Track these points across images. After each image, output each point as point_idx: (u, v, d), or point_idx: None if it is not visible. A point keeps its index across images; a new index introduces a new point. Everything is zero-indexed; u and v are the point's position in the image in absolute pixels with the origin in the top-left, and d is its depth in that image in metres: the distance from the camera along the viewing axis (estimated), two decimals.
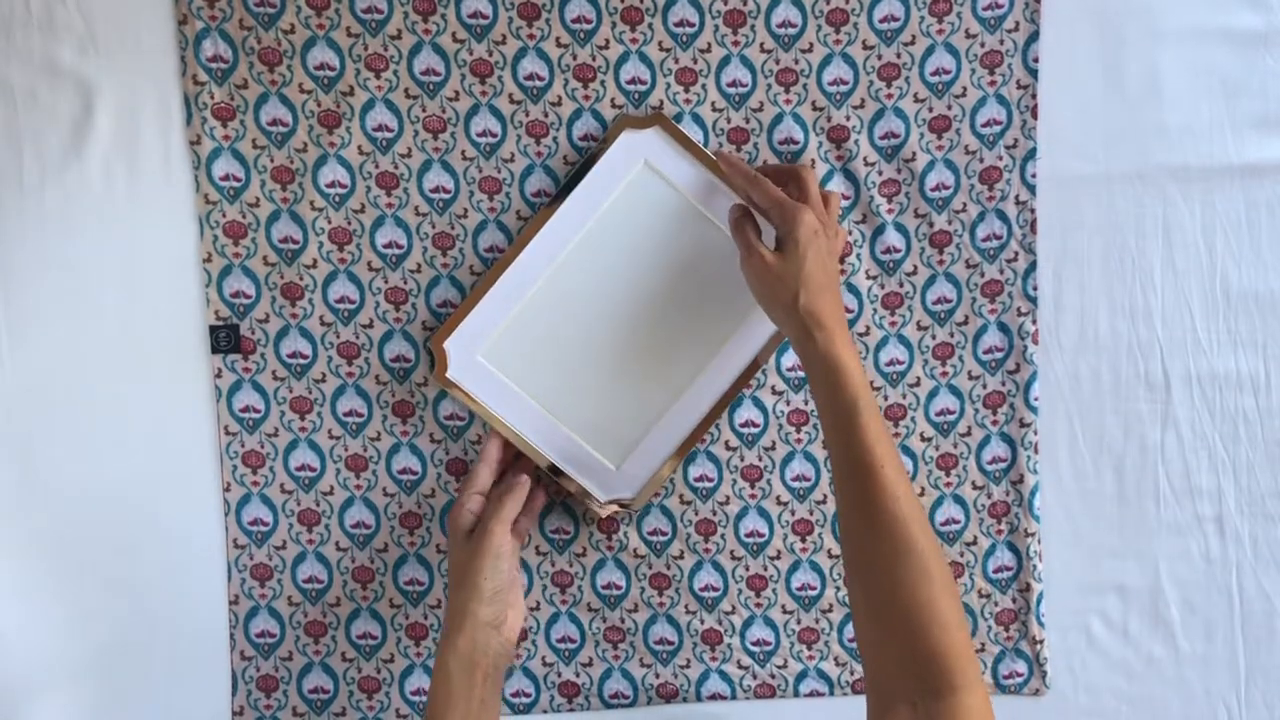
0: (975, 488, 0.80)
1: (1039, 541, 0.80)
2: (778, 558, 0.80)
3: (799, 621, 0.80)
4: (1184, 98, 0.78)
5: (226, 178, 0.74)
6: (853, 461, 0.63)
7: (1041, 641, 0.80)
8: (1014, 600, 0.80)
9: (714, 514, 0.79)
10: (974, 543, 0.80)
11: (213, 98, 0.74)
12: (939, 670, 0.56)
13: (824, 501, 0.79)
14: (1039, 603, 0.80)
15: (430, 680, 0.69)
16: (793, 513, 0.79)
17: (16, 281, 0.76)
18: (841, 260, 0.77)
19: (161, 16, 0.74)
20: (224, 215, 0.75)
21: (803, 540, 0.80)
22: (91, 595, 0.78)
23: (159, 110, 0.75)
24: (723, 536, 0.79)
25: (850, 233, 0.77)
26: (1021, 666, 0.81)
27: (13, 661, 0.77)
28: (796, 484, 0.79)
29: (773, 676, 0.80)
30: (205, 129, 0.74)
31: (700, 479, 0.79)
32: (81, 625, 0.78)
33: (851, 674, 0.81)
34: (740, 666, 0.81)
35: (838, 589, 0.80)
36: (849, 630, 0.80)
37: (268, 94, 0.74)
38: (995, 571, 0.80)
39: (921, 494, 0.80)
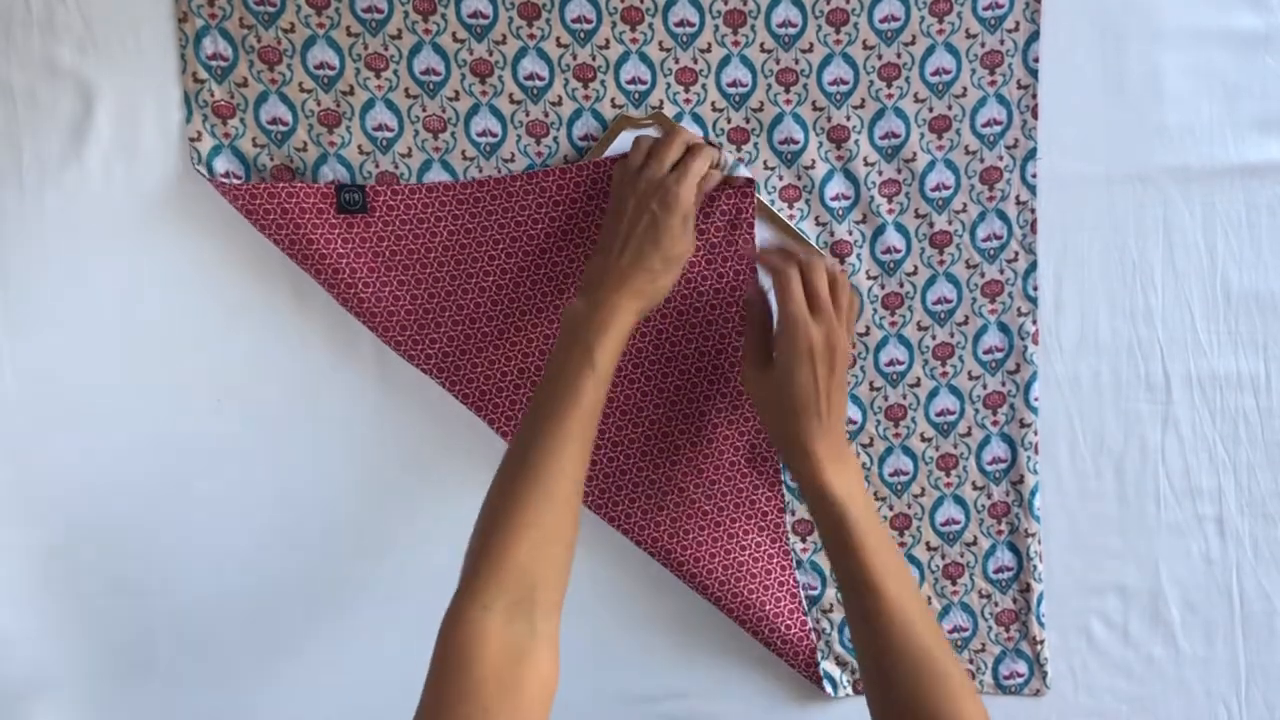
0: (975, 488, 0.80)
1: (1039, 542, 0.80)
2: None
3: None
4: (1184, 98, 0.78)
5: (226, 175, 0.74)
6: (855, 580, 0.64)
7: (1042, 642, 0.80)
8: (1014, 600, 0.80)
9: None
10: (974, 543, 0.80)
11: (212, 95, 0.74)
12: None
13: None
14: (1039, 603, 0.80)
15: (598, 316, 0.66)
16: (793, 512, 0.79)
17: (16, 281, 0.76)
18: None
19: (161, 16, 0.74)
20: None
21: (803, 541, 0.80)
22: (91, 595, 0.78)
23: (159, 110, 0.75)
24: None
25: (850, 233, 0.77)
26: (1022, 667, 0.81)
27: (13, 661, 0.77)
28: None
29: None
30: (205, 126, 0.74)
31: None
32: (81, 625, 0.78)
33: (853, 674, 0.81)
34: None
35: (837, 590, 0.80)
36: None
37: (268, 93, 0.74)
38: (995, 572, 0.80)
39: (921, 494, 0.80)
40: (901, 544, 0.80)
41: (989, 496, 0.80)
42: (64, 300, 0.76)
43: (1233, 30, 0.77)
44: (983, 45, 0.75)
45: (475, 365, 0.76)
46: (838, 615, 0.80)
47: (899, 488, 0.80)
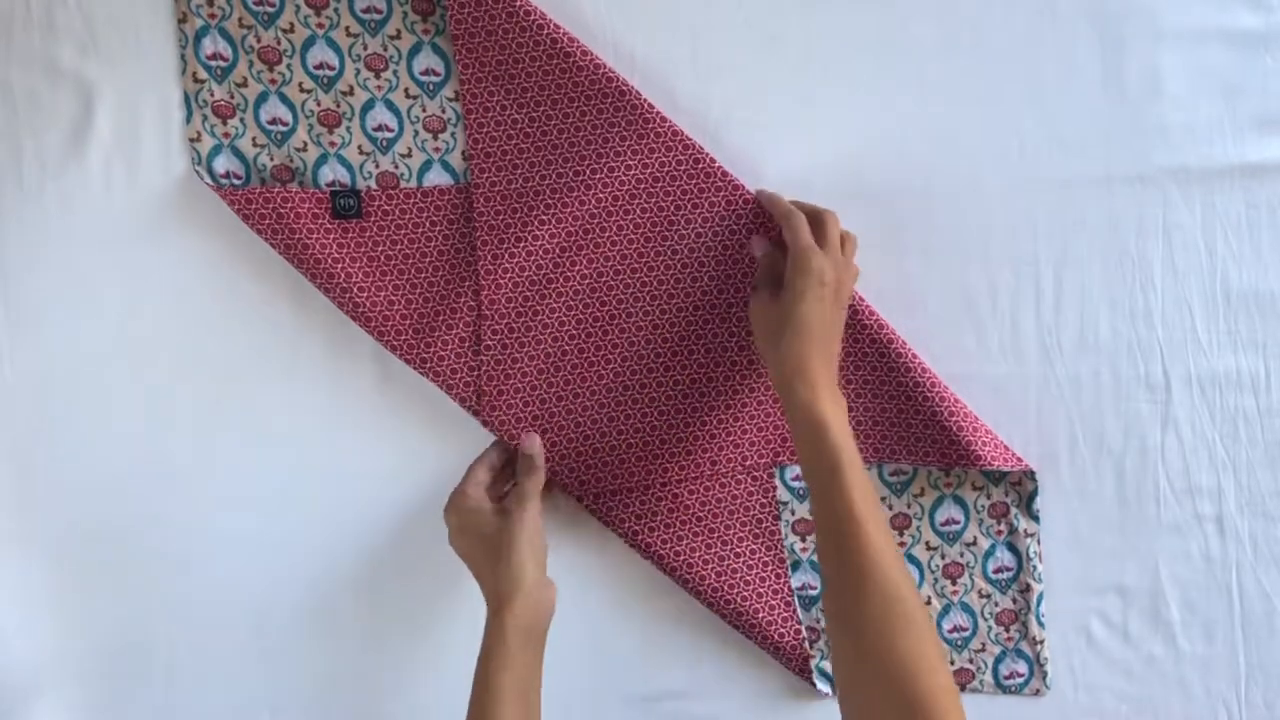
0: (975, 488, 0.80)
1: (1038, 542, 0.80)
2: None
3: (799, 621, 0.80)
4: (1184, 98, 0.78)
5: (226, 175, 0.74)
6: (837, 520, 0.63)
7: (1042, 641, 0.80)
8: (1014, 600, 0.80)
9: None
10: (974, 543, 0.80)
11: (212, 95, 0.74)
12: (930, 713, 0.56)
13: None
14: (1039, 603, 0.80)
15: (483, 645, 0.69)
16: (792, 512, 0.79)
17: (16, 281, 0.75)
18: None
19: (161, 16, 0.74)
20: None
21: (803, 540, 0.80)
22: (92, 595, 0.78)
23: (159, 110, 0.75)
24: None
25: None
26: (1022, 667, 0.81)
27: (13, 661, 0.77)
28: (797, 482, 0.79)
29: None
30: (205, 126, 0.74)
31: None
32: (81, 625, 0.78)
33: None
34: None
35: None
36: None
37: (267, 92, 0.74)
38: (995, 572, 0.80)
39: (921, 494, 0.80)
40: (901, 544, 0.80)
41: (988, 496, 0.80)
42: (64, 300, 0.76)
43: (1233, 30, 0.77)
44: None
45: (473, 369, 0.76)
46: None
47: (899, 487, 0.80)
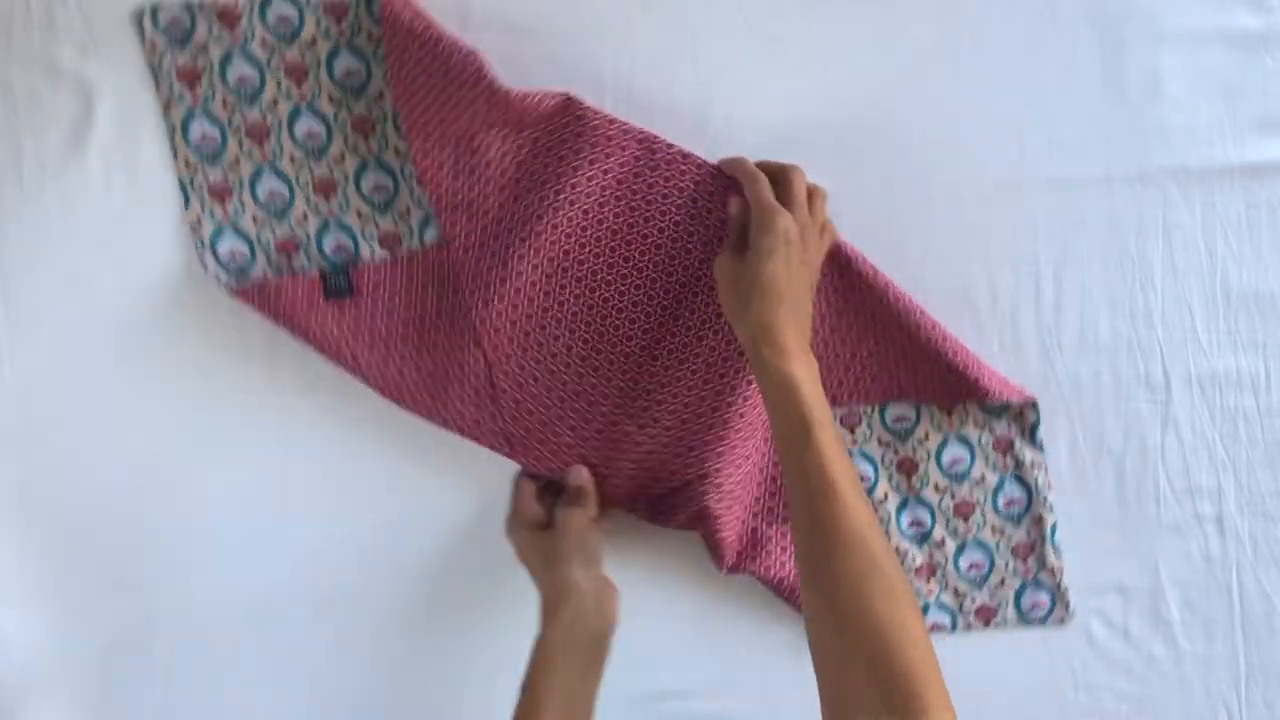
0: (977, 426, 0.79)
1: (1046, 472, 0.79)
2: None
3: None
4: (1184, 98, 0.78)
5: (231, 256, 0.75)
6: (808, 481, 0.61)
7: (1060, 570, 0.80)
8: (1028, 533, 0.80)
9: None
10: (982, 480, 0.80)
11: (208, 179, 0.74)
12: (910, 688, 0.53)
13: None
14: (1053, 532, 0.79)
15: (531, 652, 0.69)
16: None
17: (16, 281, 0.75)
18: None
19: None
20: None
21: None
22: (91, 595, 0.78)
23: (159, 110, 0.75)
24: None
25: None
26: (1043, 597, 0.80)
27: (13, 661, 0.77)
28: None
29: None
30: (204, 210, 0.75)
31: None
32: (81, 625, 0.78)
33: None
34: None
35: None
36: None
37: (261, 169, 0.74)
38: (1006, 505, 0.80)
39: (925, 438, 0.79)
40: (910, 488, 0.80)
41: (991, 432, 0.79)
42: (64, 300, 0.76)
43: (1233, 30, 0.77)
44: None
45: (495, 416, 0.76)
46: None
47: (903, 433, 0.79)
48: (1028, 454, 0.80)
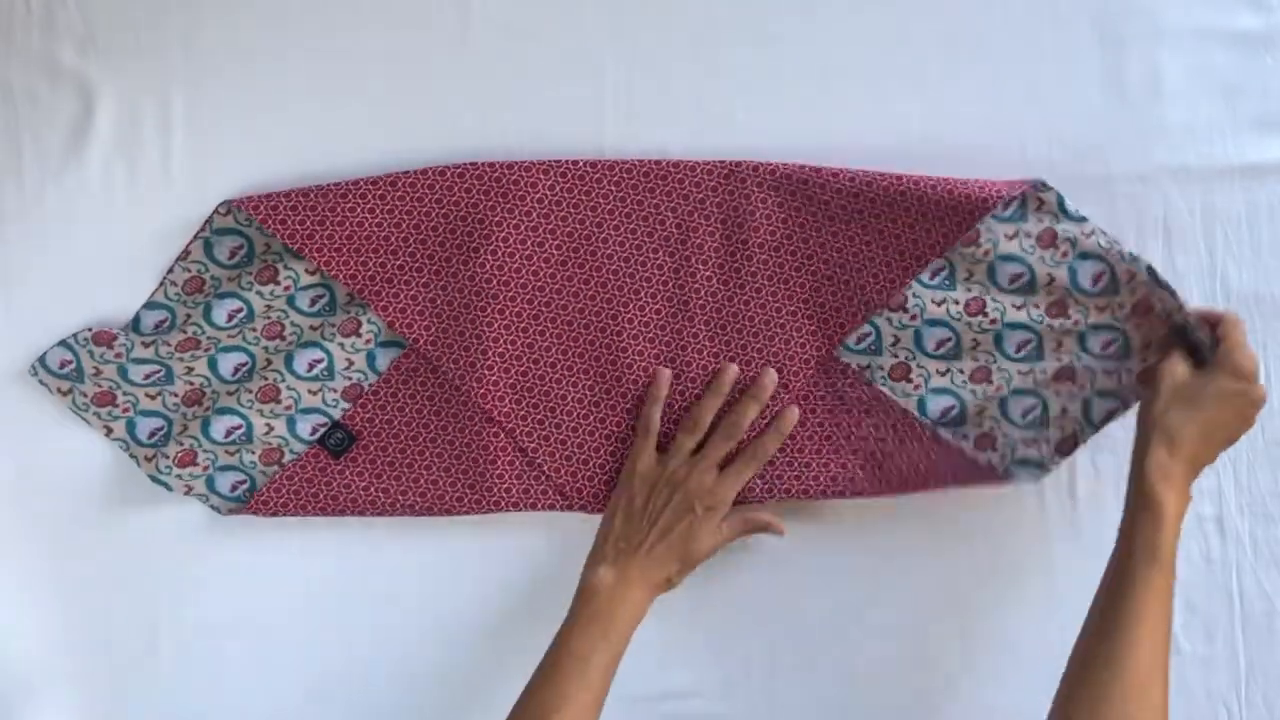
0: (1009, 237, 0.75)
1: (1103, 233, 0.74)
2: None
3: None
4: (1184, 98, 0.78)
5: (235, 488, 0.77)
6: (1119, 608, 0.65)
7: (1182, 309, 0.74)
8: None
9: None
10: (1051, 281, 0.75)
11: (171, 457, 0.76)
12: None
13: None
14: (1151, 273, 0.73)
15: (623, 599, 0.71)
16: (881, 368, 0.77)
17: (16, 281, 0.76)
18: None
19: (162, 17, 0.74)
20: None
21: (906, 381, 0.78)
22: (91, 595, 0.78)
23: (159, 110, 0.75)
24: None
25: None
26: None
27: (13, 661, 0.77)
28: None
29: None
30: (188, 477, 0.76)
31: None
32: (81, 625, 0.78)
33: (1048, 445, 0.77)
34: None
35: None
36: None
37: (208, 419, 0.75)
38: (1093, 284, 0.75)
39: (970, 276, 0.76)
40: (991, 321, 0.75)
41: (1027, 235, 0.75)
42: (64, 300, 0.76)
43: (1233, 30, 0.77)
44: None
45: (538, 479, 0.77)
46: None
47: (947, 283, 0.76)
48: (1074, 230, 0.74)
